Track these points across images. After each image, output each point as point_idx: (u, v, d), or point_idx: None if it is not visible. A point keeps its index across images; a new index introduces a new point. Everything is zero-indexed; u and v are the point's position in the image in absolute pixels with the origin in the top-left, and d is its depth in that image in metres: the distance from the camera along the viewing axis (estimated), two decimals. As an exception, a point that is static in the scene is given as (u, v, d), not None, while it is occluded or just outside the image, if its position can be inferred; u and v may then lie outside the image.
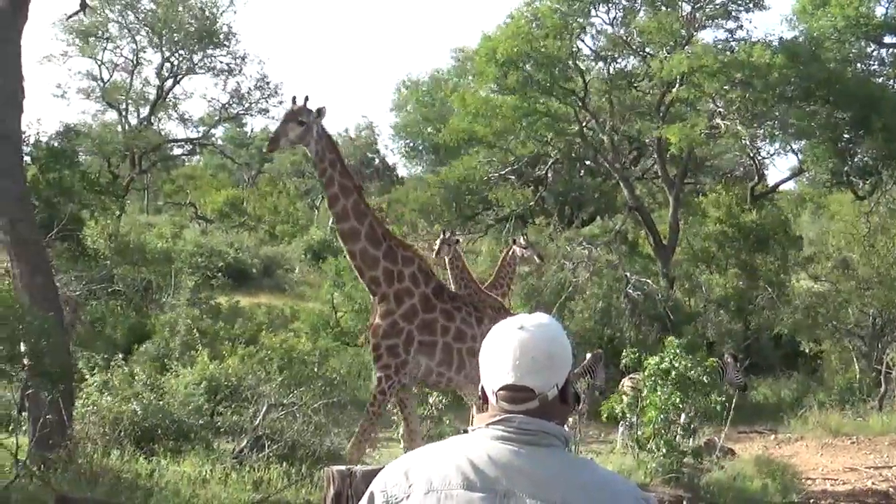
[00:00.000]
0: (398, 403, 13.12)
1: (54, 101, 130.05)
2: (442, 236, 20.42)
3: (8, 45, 14.71)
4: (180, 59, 54.75)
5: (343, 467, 6.60)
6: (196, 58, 54.32)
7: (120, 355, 19.19)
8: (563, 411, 3.48)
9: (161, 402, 16.93)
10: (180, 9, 52.64)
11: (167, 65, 55.00)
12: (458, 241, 20.52)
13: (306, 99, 12.08)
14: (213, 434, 17.05)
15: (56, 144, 33.11)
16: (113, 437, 15.37)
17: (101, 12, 51.46)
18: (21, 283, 14.56)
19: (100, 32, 54.09)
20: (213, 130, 60.41)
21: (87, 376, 16.80)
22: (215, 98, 60.92)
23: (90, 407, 15.78)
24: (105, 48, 55.37)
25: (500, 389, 3.41)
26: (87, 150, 52.26)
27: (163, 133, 58.13)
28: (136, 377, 18.02)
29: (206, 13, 52.59)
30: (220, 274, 34.90)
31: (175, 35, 53.10)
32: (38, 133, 30.83)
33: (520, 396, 3.38)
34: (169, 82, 55.41)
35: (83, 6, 15.64)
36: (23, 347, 13.51)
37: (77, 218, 29.27)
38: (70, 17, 46.91)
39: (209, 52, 54.11)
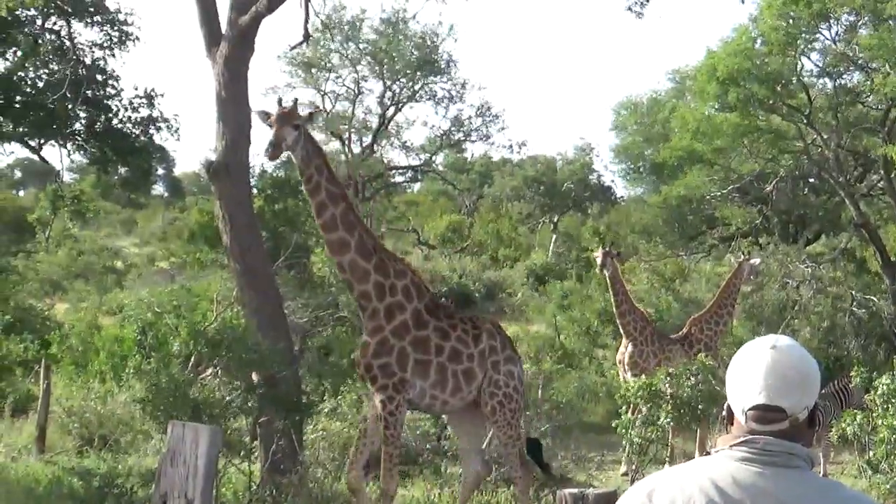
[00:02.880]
0: (360, 430, 12.24)
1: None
2: (603, 250, 20.39)
3: (238, 79, 15.07)
4: (401, 87, 55.41)
5: (575, 490, 6.50)
6: (417, 86, 54.89)
7: (348, 381, 19.47)
8: (809, 434, 3.42)
9: (389, 428, 17.08)
10: (401, 38, 53.28)
11: (389, 93, 55.72)
12: (618, 254, 20.50)
13: (295, 101, 11.65)
14: (441, 458, 17.12)
15: (281, 175, 33.85)
16: (342, 462, 15.54)
17: (324, 43, 52.44)
18: (251, 311, 14.87)
19: (322, 63, 55.16)
20: (433, 157, 60.93)
21: (317, 403, 17.04)
22: (436, 125, 61.38)
23: (320, 432, 16.02)
24: (328, 78, 56.47)
25: (751, 409, 3.34)
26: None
27: (385, 161, 58.97)
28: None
29: (427, 42, 53.07)
30: (443, 299, 35.19)
31: (396, 64, 53.76)
32: (262, 164, 31.57)
33: (770, 417, 3.32)
34: (391, 110, 56.09)
35: (306, 37, 15.91)
36: (254, 376, 13.78)
37: (303, 246, 29.83)
38: (293, 48, 47.92)
39: (430, 79, 54.61)
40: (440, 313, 12.10)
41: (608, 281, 20.47)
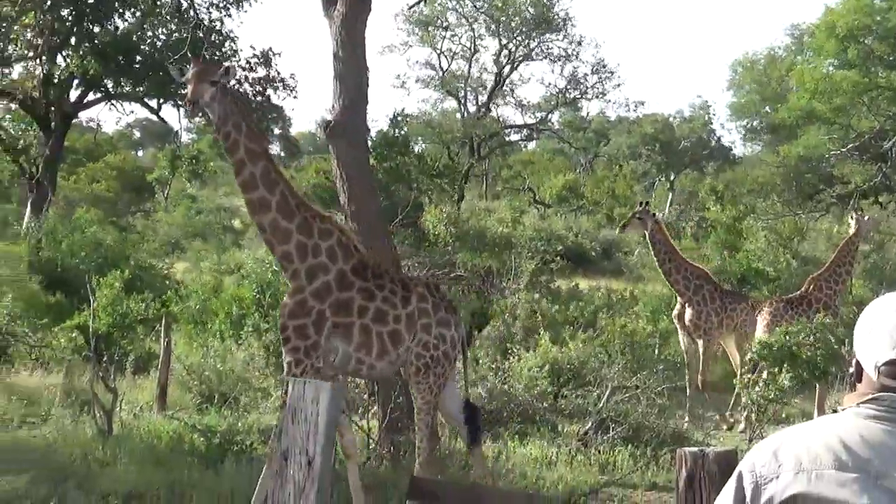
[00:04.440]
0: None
1: (395, 90, 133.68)
2: (637, 209, 19.98)
3: (355, 38, 15.09)
4: (517, 45, 55.30)
5: (695, 449, 6.39)
6: (533, 44, 54.73)
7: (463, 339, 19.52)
8: None
9: (506, 386, 17.14)
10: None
11: (504, 52, 55.67)
12: (654, 215, 19.96)
13: (211, 56, 11.33)
14: (557, 416, 17.13)
15: (391, 132, 33.98)
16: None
17: (441, 2, 52.50)
18: (370, 271, 14.93)
19: (438, 22, 55.24)
20: (549, 115, 60.73)
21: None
22: (552, 83, 61.32)
23: (436, 391, 16.08)
24: (444, 37, 56.57)
25: (884, 364, 3.26)
26: (428, 137, 53.54)
27: (500, 119, 58.93)
28: (480, 361, 18.33)
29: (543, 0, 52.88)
30: (559, 258, 35.07)
31: (512, 22, 53.63)
32: (373, 122, 31.71)
33: None
34: (506, 69, 56.06)
35: (423, -4, 15.87)
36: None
37: (417, 204, 29.94)
38: (412, 7, 48.16)
39: (546, 37, 54.41)
40: (367, 274, 11.50)
41: (648, 240, 20.07)
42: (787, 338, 16.63)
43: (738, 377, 17.34)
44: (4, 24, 23.20)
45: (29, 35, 33.11)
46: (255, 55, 35.65)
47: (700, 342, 19.30)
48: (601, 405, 16.22)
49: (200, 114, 11.41)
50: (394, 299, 11.42)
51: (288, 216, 10.97)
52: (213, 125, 11.10)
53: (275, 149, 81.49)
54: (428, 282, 12.33)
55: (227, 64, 10.84)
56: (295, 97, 39.11)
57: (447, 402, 12.12)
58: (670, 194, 62.11)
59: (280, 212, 10.93)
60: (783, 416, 18.08)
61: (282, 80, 35.64)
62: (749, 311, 19.75)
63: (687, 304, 19.49)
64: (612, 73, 55.64)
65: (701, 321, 19.25)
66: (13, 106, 36.56)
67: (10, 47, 32.86)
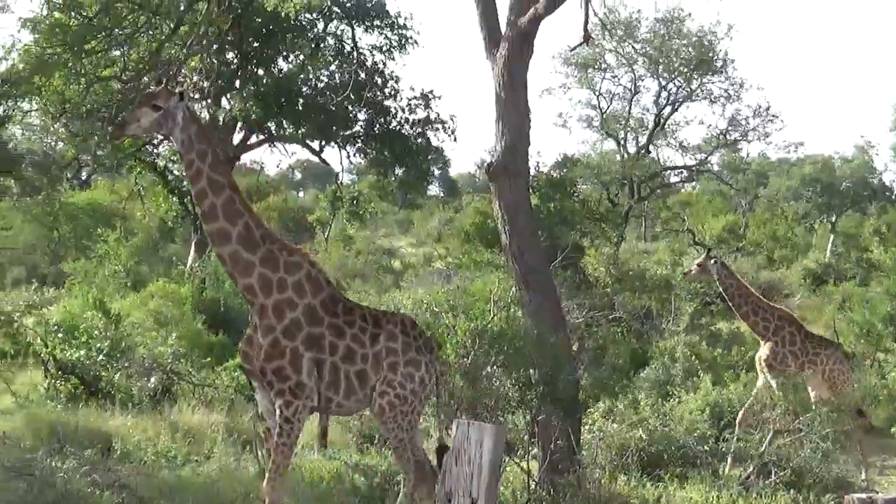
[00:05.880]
0: (264, 431, 11.38)
1: (555, 131, 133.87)
2: (703, 257, 19.58)
3: (517, 80, 15.22)
4: (678, 86, 55.00)
5: (864, 495, 6.32)
6: (693, 85, 54.38)
7: (623, 381, 19.46)
8: None
9: (666, 429, 17.01)
10: (677, 37, 52.89)
11: (664, 93, 55.43)
12: (718, 261, 19.45)
13: (166, 81, 10.96)
14: (718, 460, 16.93)
15: (555, 175, 34.02)
16: (620, 463, 15.55)
17: (600, 43, 52.50)
18: (531, 311, 14.97)
19: (598, 63, 55.23)
20: (709, 157, 60.23)
21: (593, 403, 17.11)
22: (712, 124, 60.52)
23: (596, 433, 16.04)
24: (604, 78, 56.53)
25: None
26: (587, 178, 53.49)
27: (660, 160, 58.67)
28: (640, 403, 18.25)
29: (704, 41, 52.53)
30: (719, 300, 34.67)
31: (672, 63, 53.39)
32: (538, 164, 31.79)
33: None
34: (667, 110, 55.76)
35: (586, 39, 15.85)
36: (532, 374, 13.87)
37: (578, 246, 29.90)
38: (573, 49, 48.18)
39: (706, 78, 54.02)
40: (338, 309, 11.22)
41: (720, 286, 19.64)
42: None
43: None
44: (171, 68, 23.86)
45: (195, 78, 33.93)
46: (415, 97, 36.06)
47: (773, 382, 18.73)
48: (763, 448, 16.01)
49: (125, 138, 10.99)
50: (362, 337, 11.20)
51: (251, 248, 10.73)
52: (179, 154, 10.95)
53: (434, 189, 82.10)
54: (403, 319, 11.89)
55: (179, 89, 10.66)
56: (454, 139, 39.30)
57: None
58: (831, 236, 60.97)
59: (241, 243, 10.69)
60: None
61: (442, 122, 35.98)
62: (842, 360, 19.02)
63: (768, 344, 18.99)
64: (775, 116, 54.91)
65: (776, 362, 18.63)
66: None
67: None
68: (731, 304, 19.41)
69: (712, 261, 19.34)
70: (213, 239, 10.81)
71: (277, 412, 10.80)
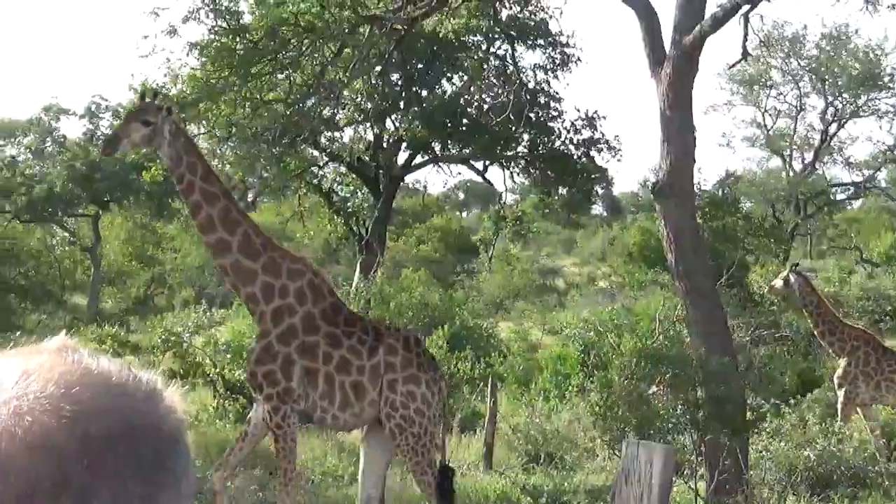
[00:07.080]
0: (240, 433, 11.25)
1: (719, 149, 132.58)
2: (787, 272, 19.20)
3: (682, 99, 15.17)
4: (844, 102, 54.07)
5: None
6: (860, 101, 53.41)
7: (791, 401, 19.23)
8: None
9: (835, 449, 16.74)
10: (843, 53, 52.02)
11: (831, 109, 54.53)
12: (800, 274, 19.02)
13: (155, 95, 10.89)
14: (891, 481, 16.62)
15: (719, 192, 33.72)
16: (788, 483, 15.36)
17: (764, 60, 51.87)
18: (697, 331, 14.91)
19: (763, 80, 54.62)
20: (877, 173, 59.10)
21: (760, 422, 16.91)
22: (880, 140, 59.34)
23: (764, 453, 15.87)
24: (769, 95, 55.89)
25: None
26: (752, 196, 52.90)
27: (827, 178, 57.77)
28: (808, 423, 17.98)
29: (870, 56, 51.57)
30: (887, 317, 34.05)
31: (839, 79, 52.52)
32: (700, 181, 31.52)
33: None
34: (833, 126, 54.85)
35: (744, 55, 15.78)
36: (700, 393, 13.80)
37: (743, 264, 29.59)
38: (731, 66, 47.70)
39: (873, 95, 53.02)
40: (339, 319, 11.03)
41: (799, 302, 19.25)
42: None
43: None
44: (335, 90, 24.22)
45: (358, 99, 34.39)
46: (579, 117, 35.99)
47: (840, 394, 18.29)
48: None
49: (118, 151, 10.96)
50: (360, 349, 10.96)
51: (252, 256, 10.70)
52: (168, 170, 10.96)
53: (598, 208, 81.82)
54: (407, 334, 11.74)
55: (167, 105, 10.67)
56: (619, 159, 39.16)
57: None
58: None
59: (242, 252, 10.67)
60: None
61: (606, 142, 35.84)
62: None
63: (844, 362, 18.58)
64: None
65: (846, 381, 18.28)
66: (343, 169, 38.01)
67: (340, 112, 34.12)
68: (810, 321, 19.34)
69: (794, 277, 19.18)
70: (212, 250, 10.93)
71: (267, 417, 10.73)
